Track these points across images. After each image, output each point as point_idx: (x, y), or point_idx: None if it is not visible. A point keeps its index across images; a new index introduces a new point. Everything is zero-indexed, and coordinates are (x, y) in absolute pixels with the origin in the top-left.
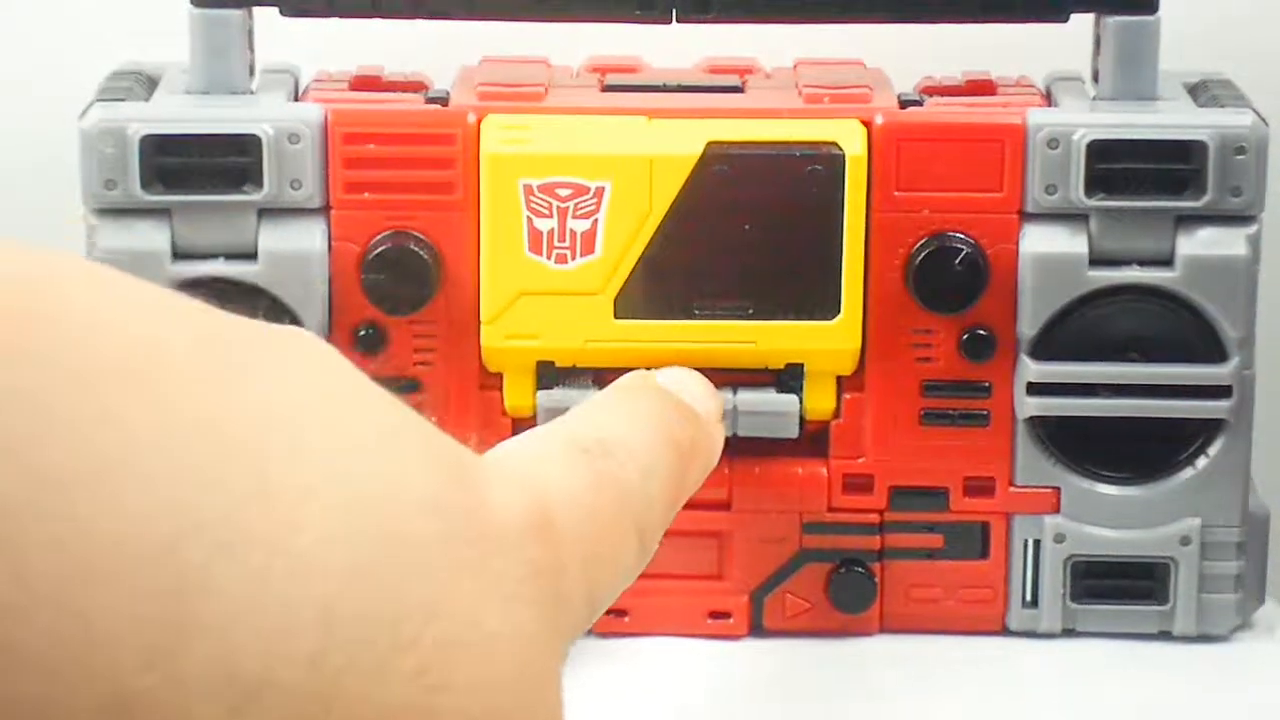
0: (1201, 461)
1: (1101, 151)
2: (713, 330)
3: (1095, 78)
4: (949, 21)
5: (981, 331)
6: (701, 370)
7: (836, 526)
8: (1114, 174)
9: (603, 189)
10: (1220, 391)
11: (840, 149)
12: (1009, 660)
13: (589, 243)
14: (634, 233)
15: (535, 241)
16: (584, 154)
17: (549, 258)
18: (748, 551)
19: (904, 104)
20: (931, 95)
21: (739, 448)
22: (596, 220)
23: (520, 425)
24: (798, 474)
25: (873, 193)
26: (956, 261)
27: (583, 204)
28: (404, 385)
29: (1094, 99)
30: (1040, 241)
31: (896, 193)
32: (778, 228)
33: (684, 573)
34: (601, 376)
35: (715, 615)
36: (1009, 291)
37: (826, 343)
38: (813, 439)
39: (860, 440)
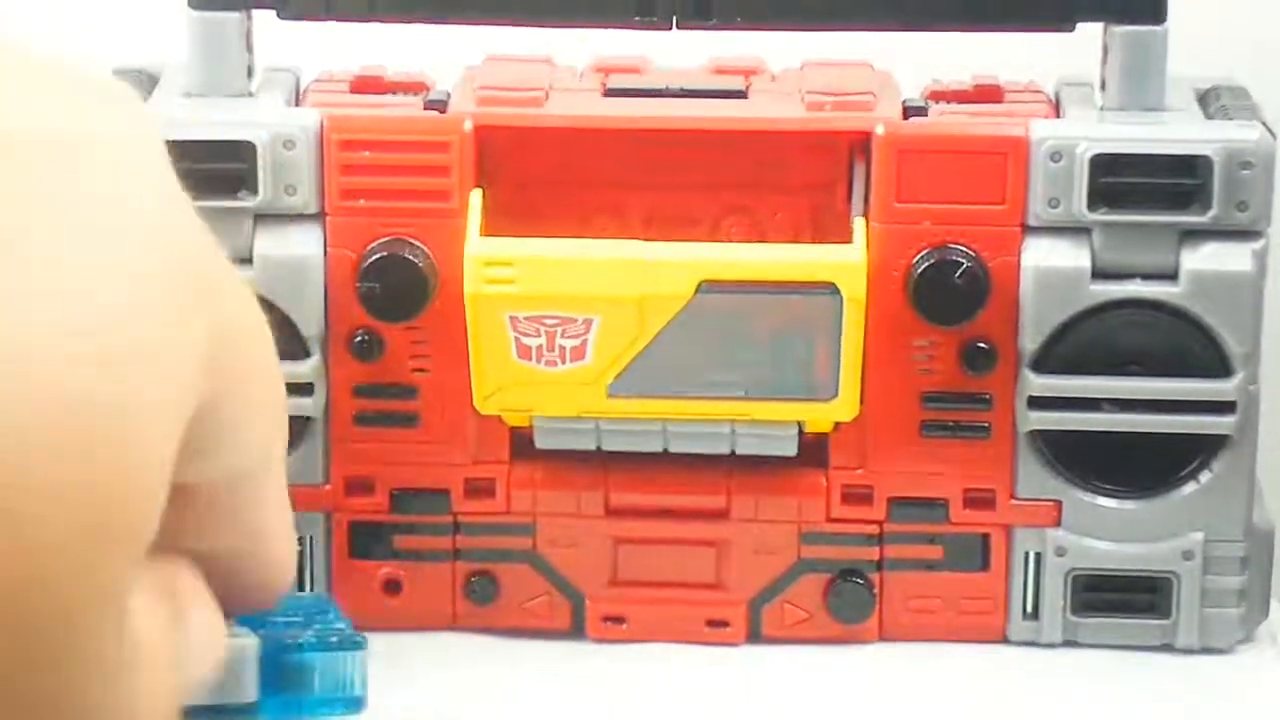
0: (1205, 476)
1: (1105, 165)
2: (707, 407)
3: (1104, 85)
4: (953, 29)
5: (982, 344)
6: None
7: (835, 537)
8: (1117, 188)
9: (591, 321)
10: (1224, 407)
11: (838, 291)
12: (1009, 671)
13: (579, 354)
14: (626, 347)
15: (524, 352)
16: (571, 294)
17: (538, 363)
18: (746, 561)
19: (908, 111)
20: (938, 101)
21: (738, 457)
22: (586, 340)
23: (517, 433)
24: (796, 484)
25: (872, 209)
26: (957, 274)
27: (571, 329)
28: (401, 391)
29: (1101, 109)
30: (1042, 255)
31: (897, 204)
32: (773, 343)
33: (682, 581)
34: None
35: (713, 624)
36: (1010, 304)
37: (824, 414)
38: (812, 449)
39: (860, 451)
